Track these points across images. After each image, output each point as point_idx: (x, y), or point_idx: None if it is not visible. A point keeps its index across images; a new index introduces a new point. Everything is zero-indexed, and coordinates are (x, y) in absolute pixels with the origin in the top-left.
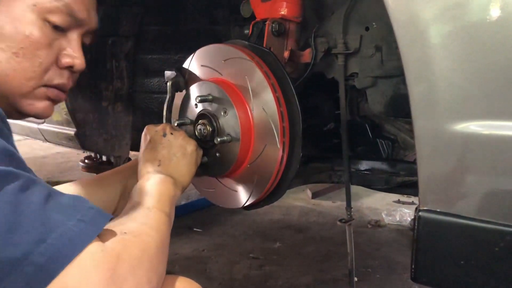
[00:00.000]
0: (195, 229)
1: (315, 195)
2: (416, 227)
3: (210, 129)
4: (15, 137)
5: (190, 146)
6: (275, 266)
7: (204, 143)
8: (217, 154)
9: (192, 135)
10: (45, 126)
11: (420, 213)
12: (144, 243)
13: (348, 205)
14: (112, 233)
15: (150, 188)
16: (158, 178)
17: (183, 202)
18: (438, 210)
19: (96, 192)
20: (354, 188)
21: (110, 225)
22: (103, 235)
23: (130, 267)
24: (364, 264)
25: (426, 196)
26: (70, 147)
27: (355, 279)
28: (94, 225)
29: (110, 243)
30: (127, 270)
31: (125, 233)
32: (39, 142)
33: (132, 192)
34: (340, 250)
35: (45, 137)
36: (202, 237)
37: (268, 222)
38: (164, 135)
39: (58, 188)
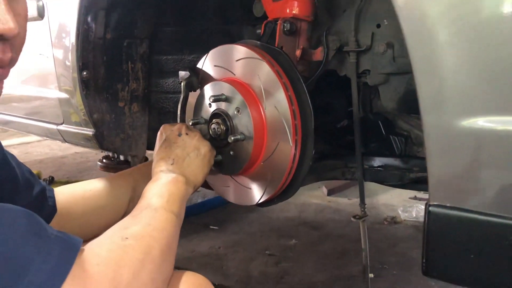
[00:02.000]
0: (211, 226)
1: (330, 192)
2: (426, 222)
3: (224, 128)
4: (34, 138)
5: (204, 147)
6: (291, 263)
7: (218, 142)
8: (231, 153)
9: (206, 134)
10: (63, 127)
11: (430, 208)
12: (147, 245)
13: (362, 202)
14: (112, 241)
15: (160, 187)
16: (170, 177)
17: (199, 200)
18: (448, 205)
19: (107, 194)
20: (370, 185)
21: (114, 229)
22: (100, 245)
23: (132, 271)
24: (380, 260)
25: (436, 191)
26: (88, 147)
27: (371, 275)
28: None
29: (108, 252)
30: (129, 275)
31: (127, 238)
32: (58, 143)
33: (143, 191)
34: (356, 247)
35: (64, 138)
36: (218, 234)
37: (284, 219)
38: (180, 134)
39: (68, 187)
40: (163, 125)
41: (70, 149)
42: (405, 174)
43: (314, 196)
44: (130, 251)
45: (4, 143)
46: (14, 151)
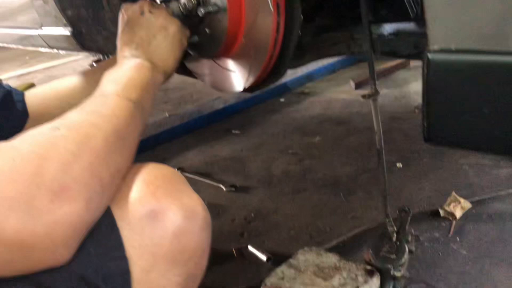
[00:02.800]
0: (233, 131)
1: (358, 86)
2: (425, 74)
3: (195, 2)
4: (59, 61)
5: (172, 25)
6: (315, 160)
7: (192, 20)
8: (207, 30)
9: (179, 13)
10: (43, 32)
11: (429, 56)
12: (84, 135)
13: (372, 78)
14: (39, 133)
15: (118, 74)
16: (133, 63)
17: (221, 106)
18: (453, 48)
19: (81, 92)
20: (402, 74)
21: (50, 122)
22: (24, 139)
23: (62, 164)
24: (411, 149)
25: (437, 30)
26: (71, 50)
27: (400, 165)
28: None
29: (31, 146)
30: (57, 169)
31: (58, 128)
32: (81, 64)
33: (100, 80)
34: (384, 138)
35: (48, 43)
36: (241, 138)
37: (308, 117)
38: (142, 13)
39: (39, 89)
40: (123, 5)
41: None
42: (422, 39)
43: (341, 92)
44: (60, 142)
45: (30, 69)
46: (39, 76)
